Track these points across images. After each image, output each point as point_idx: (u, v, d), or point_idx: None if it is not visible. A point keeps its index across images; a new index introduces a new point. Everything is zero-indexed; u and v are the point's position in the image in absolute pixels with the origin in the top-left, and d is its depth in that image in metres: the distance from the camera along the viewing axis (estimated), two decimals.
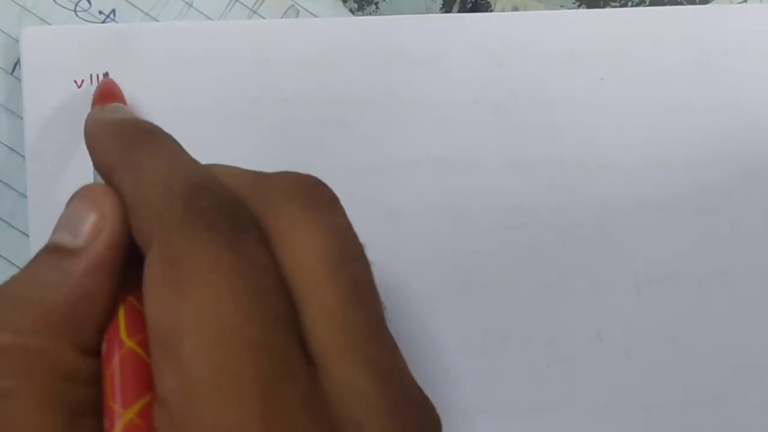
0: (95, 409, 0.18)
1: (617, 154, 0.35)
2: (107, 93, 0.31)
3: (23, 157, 0.34)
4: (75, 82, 0.33)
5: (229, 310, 0.16)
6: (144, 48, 0.34)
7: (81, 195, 0.20)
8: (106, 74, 0.33)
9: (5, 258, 0.34)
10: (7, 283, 0.19)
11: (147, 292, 0.17)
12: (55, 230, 0.19)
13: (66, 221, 0.19)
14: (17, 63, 0.34)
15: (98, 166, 0.21)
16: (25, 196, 0.34)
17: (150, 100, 0.34)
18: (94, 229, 0.19)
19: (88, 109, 0.33)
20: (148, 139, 0.21)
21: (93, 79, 0.34)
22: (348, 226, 0.20)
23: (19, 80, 0.34)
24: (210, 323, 0.16)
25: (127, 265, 0.19)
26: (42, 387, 0.17)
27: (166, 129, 0.34)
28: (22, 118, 0.34)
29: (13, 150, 0.34)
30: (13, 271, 0.34)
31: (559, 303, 0.34)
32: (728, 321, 0.35)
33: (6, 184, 0.35)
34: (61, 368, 0.17)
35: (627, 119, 0.35)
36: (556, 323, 0.34)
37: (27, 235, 0.34)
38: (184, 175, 0.19)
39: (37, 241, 0.33)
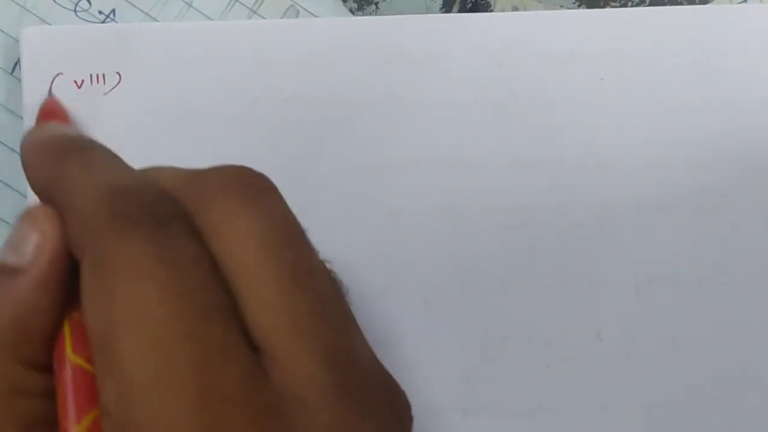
0: (51, 421, 0.18)
1: (617, 154, 0.35)
2: (49, 112, 0.31)
3: None
4: (75, 82, 0.33)
5: (157, 305, 0.16)
6: (144, 48, 0.34)
7: (24, 217, 0.20)
8: (50, 92, 0.32)
9: None
10: None
11: (83, 300, 0.17)
12: (2, 249, 0.20)
13: (10, 243, 0.20)
14: (17, 63, 0.34)
15: (33, 187, 0.21)
16: (25, 196, 0.34)
17: (150, 100, 0.34)
18: (36, 248, 0.19)
19: (88, 109, 0.34)
20: (75, 151, 0.21)
21: (93, 79, 0.34)
22: (285, 211, 0.20)
23: (19, 80, 0.34)
24: (140, 321, 0.16)
25: (72, 281, 0.19)
26: None
27: (166, 129, 0.34)
28: (22, 118, 0.34)
29: (13, 150, 0.34)
30: None
31: (559, 303, 0.34)
32: (728, 321, 0.35)
33: (6, 184, 0.35)
34: (10, 383, 0.18)
35: (627, 119, 0.35)
36: (556, 323, 0.34)
37: None
38: (107, 180, 0.19)
39: None
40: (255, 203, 0.19)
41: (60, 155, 0.21)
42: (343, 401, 0.17)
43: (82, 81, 0.33)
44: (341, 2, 0.36)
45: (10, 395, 0.18)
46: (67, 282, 0.19)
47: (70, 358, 0.18)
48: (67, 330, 0.19)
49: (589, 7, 0.37)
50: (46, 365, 0.19)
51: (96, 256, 0.17)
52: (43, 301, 0.19)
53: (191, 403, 0.16)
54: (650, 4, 0.37)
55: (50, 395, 0.18)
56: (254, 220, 0.19)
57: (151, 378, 0.16)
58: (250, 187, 0.20)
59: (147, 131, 0.34)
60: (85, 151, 0.21)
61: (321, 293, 0.18)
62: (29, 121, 0.33)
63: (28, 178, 0.22)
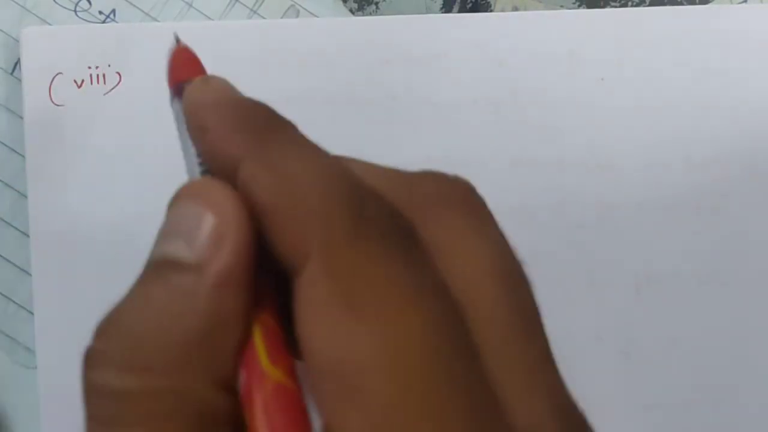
0: None
1: (617, 154, 0.35)
2: (187, 64, 0.24)
3: (23, 157, 0.34)
4: (75, 82, 0.33)
5: (417, 342, 0.14)
6: (144, 48, 0.34)
7: (191, 193, 0.16)
8: (177, 40, 0.25)
9: (5, 258, 0.34)
10: (121, 310, 0.16)
11: (308, 314, 0.14)
12: (164, 239, 0.16)
13: (175, 227, 0.16)
14: (17, 63, 0.34)
15: (216, 157, 0.17)
16: (25, 196, 0.34)
17: (150, 100, 0.34)
18: (215, 236, 0.15)
19: (88, 109, 0.33)
20: (280, 127, 0.17)
21: (93, 79, 0.34)
22: (506, 238, 0.17)
23: (19, 80, 0.34)
24: (399, 356, 0.14)
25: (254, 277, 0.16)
26: None
27: (166, 129, 0.34)
28: (22, 118, 0.34)
29: (13, 150, 0.34)
30: (13, 270, 0.34)
31: (559, 303, 0.34)
32: (728, 321, 0.35)
33: (6, 184, 0.35)
34: (199, 411, 0.14)
35: (627, 119, 0.35)
36: (556, 323, 0.34)
37: (27, 235, 0.34)
38: (338, 173, 0.16)
39: (37, 241, 0.33)
40: (482, 226, 0.17)
41: (254, 124, 0.17)
42: None
43: (82, 81, 0.33)
44: (341, 2, 0.36)
45: (197, 424, 0.14)
46: (252, 280, 0.15)
47: (269, 373, 0.15)
48: (258, 338, 0.15)
49: (589, 7, 0.37)
50: (233, 384, 0.15)
51: (336, 265, 0.14)
52: (229, 306, 0.15)
53: None
54: (650, 4, 0.37)
55: (235, 421, 0.15)
56: (484, 245, 0.16)
57: (414, 425, 0.14)
58: (475, 207, 0.17)
59: (147, 131, 0.34)
60: (290, 130, 0.17)
61: (546, 339, 0.17)
62: (29, 121, 0.33)
63: (206, 147, 0.17)
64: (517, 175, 0.34)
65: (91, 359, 0.15)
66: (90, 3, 0.35)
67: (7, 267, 0.34)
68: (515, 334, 0.16)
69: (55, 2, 0.35)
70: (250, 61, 0.34)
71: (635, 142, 0.35)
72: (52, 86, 0.33)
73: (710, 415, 0.34)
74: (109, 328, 0.15)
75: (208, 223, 0.15)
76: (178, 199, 0.16)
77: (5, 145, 0.35)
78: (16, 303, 0.34)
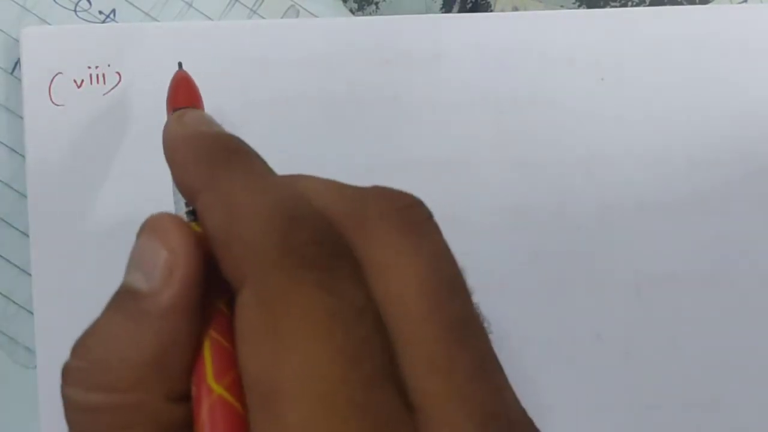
0: None
1: (617, 154, 0.35)
2: (184, 92, 0.27)
3: (23, 157, 0.34)
4: (75, 82, 0.33)
5: (330, 367, 0.15)
6: (144, 48, 0.34)
7: (148, 229, 0.18)
8: (180, 65, 0.28)
9: (5, 258, 0.34)
10: (91, 334, 0.18)
11: (242, 337, 0.16)
12: (127, 270, 0.18)
13: (137, 260, 0.18)
14: (17, 63, 0.34)
15: (181, 189, 0.19)
16: (25, 196, 0.34)
17: (150, 100, 0.34)
18: (166, 268, 0.17)
19: (89, 109, 0.33)
20: (234, 158, 0.19)
21: (93, 79, 0.33)
22: (446, 250, 0.18)
23: (19, 80, 0.34)
24: (309, 381, 0.15)
25: (206, 297, 0.18)
26: None
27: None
28: (22, 118, 0.34)
29: (13, 150, 0.34)
30: (14, 271, 0.34)
31: (559, 303, 0.34)
32: (728, 321, 0.35)
33: (6, 184, 0.35)
34: (157, 420, 0.17)
35: (627, 119, 0.35)
36: (556, 323, 0.34)
37: (27, 235, 0.34)
38: (278, 203, 0.17)
39: (37, 241, 0.33)
40: (417, 239, 0.18)
41: (217, 160, 0.19)
42: None
43: (82, 81, 0.33)
44: (341, 2, 0.36)
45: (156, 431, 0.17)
46: (201, 302, 0.17)
47: (214, 388, 0.17)
48: (207, 354, 0.17)
49: (589, 7, 0.37)
50: (187, 394, 0.17)
51: (263, 292, 0.16)
52: (181, 327, 0.17)
53: None
54: (650, 4, 0.37)
55: (188, 427, 0.17)
56: (417, 262, 0.17)
57: None
58: (412, 222, 0.18)
59: (147, 131, 0.34)
60: (245, 160, 0.19)
61: (480, 350, 0.17)
62: (29, 121, 0.33)
63: (176, 178, 0.20)
64: (517, 175, 0.34)
65: (66, 375, 0.18)
66: (90, 3, 0.35)
67: (7, 267, 0.34)
68: (439, 345, 0.17)
69: (55, 2, 0.35)
70: (250, 61, 0.34)
71: (635, 142, 0.35)
72: (52, 86, 0.33)
73: (710, 415, 0.34)
74: (80, 350, 0.18)
75: (161, 257, 0.17)
76: (140, 233, 0.18)
77: (5, 145, 0.35)
78: (16, 303, 0.34)
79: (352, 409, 0.15)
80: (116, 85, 0.34)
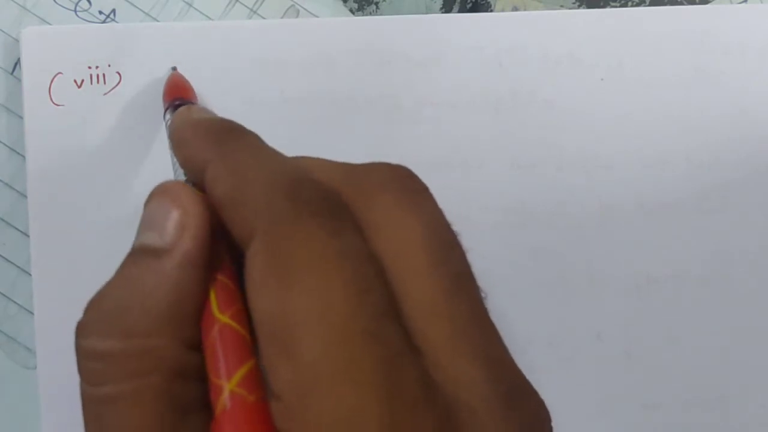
0: (202, 404, 0.18)
1: (617, 154, 0.35)
2: (178, 87, 0.31)
3: (23, 157, 0.34)
4: (75, 82, 0.33)
5: (341, 300, 0.16)
6: (144, 48, 0.34)
7: (159, 193, 0.19)
8: (174, 68, 0.33)
9: (5, 258, 0.34)
10: (105, 289, 0.19)
11: (251, 281, 0.17)
12: (140, 231, 0.19)
13: (149, 221, 0.19)
14: (17, 63, 0.34)
15: (191, 163, 0.21)
16: (25, 196, 0.34)
17: (150, 100, 0.34)
18: (178, 226, 0.19)
19: (88, 109, 0.33)
20: (239, 135, 0.21)
21: (93, 79, 0.34)
22: (441, 215, 0.19)
23: (19, 80, 0.34)
24: (322, 313, 0.16)
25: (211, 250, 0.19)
26: (154, 387, 0.17)
27: (166, 130, 0.34)
28: (22, 118, 0.34)
29: (13, 150, 0.34)
30: (14, 271, 0.34)
31: (559, 303, 0.34)
32: (728, 321, 0.35)
33: (6, 184, 0.35)
34: (172, 367, 0.17)
35: (627, 119, 0.35)
36: (556, 323, 0.34)
37: (27, 235, 0.34)
38: (282, 168, 0.19)
39: (37, 241, 0.33)
40: (415, 204, 0.19)
41: (220, 136, 0.20)
42: (507, 414, 0.17)
43: (82, 81, 0.34)
44: (341, 2, 0.36)
45: (171, 378, 0.17)
46: (210, 255, 0.19)
47: (218, 317, 0.18)
48: (212, 293, 0.18)
49: (589, 7, 0.37)
50: (198, 344, 0.18)
51: (273, 239, 0.17)
52: (192, 279, 0.18)
53: (376, 401, 0.16)
54: (650, 4, 0.37)
55: (201, 375, 0.18)
56: (416, 223, 0.18)
57: (335, 372, 0.16)
58: (409, 188, 0.20)
59: (147, 131, 0.34)
60: (248, 137, 0.21)
61: (476, 301, 0.18)
62: (29, 121, 0.33)
63: (181, 156, 0.21)
64: (517, 175, 0.34)
65: (81, 329, 0.18)
66: (90, 3, 0.35)
67: (7, 267, 0.34)
68: (440, 294, 0.18)
69: (55, 2, 0.35)
70: (250, 61, 0.34)
71: (635, 142, 0.35)
72: (52, 86, 0.33)
73: (710, 415, 0.34)
74: (95, 303, 0.19)
75: (173, 216, 0.19)
76: (151, 198, 0.20)
77: (5, 145, 0.35)
78: (17, 303, 0.34)
79: (364, 338, 0.16)
80: (116, 85, 0.34)
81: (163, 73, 0.34)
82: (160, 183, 0.20)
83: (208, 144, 0.20)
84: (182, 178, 0.22)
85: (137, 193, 0.34)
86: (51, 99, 0.33)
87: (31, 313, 0.34)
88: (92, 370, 0.18)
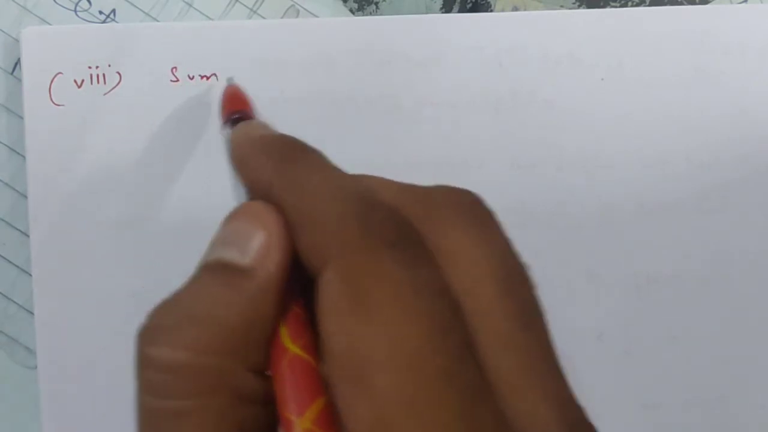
0: (266, 428, 0.17)
1: (617, 154, 0.35)
2: (236, 100, 0.30)
3: (23, 157, 0.34)
4: (75, 82, 0.33)
5: (418, 337, 0.16)
6: (144, 48, 0.34)
7: (244, 212, 0.19)
8: (230, 79, 0.31)
9: (5, 258, 0.34)
10: (178, 298, 0.18)
11: (327, 313, 0.17)
12: (218, 247, 0.19)
13: (231, 238, 0.19)
14: (17, 63, 0.34)
15: (253, 184, 0.20)
16: (25, 196, 0.34)
17: (150, 100, 0.34)
18: (263, 248, 0.18)
19: (88, 109, 0.33)
20: (301, 154, 0.20)
21: (93, 79, 0.34)
22: (511, 245, 0.19)
23: (19, 80, 0.34)
24: (400, 350, 0.16)
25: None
26: (218, 408, 0.17)
27: (166, 129, 0.34)
28: (22, 118, 0.34)
29: (13, 150, 0.34)
30: (14, 271, 0.34)
31: (560, 303, 0.34)
32: (728, 321, 0.35)
33: (6, 184, 0.35)
34: (237, 389, 0.17)
35: (627, 119, 0.35)
36: (556, 323, 0.34)
37: (27, 235, 0.34)
38: (350, 189, 0.18)
39: (38, 241, 0.33)
40: (485, 233, 0.19)
41: (286, 156, 0.20)
42: None
43: (82, 81, 0.34)
44: (341, 2, 0.36)
45: (236, 402, 0.17)
46: (287, 282, 0.18)
47: (290, 347, 0.17)
48: (283, 322, 0.18)
49: (589, 7, 0.37)
50: (264, 369, 0.18)
51: (348, 270, 0.17)
52: (270, 304, 0.18)
53: None
54: (650, 4, 0.37)
55: (268, 402, 0.17)
56: (486, 251, 0.18)
57: (413, 412, 0.15)
58: (479, 215, 0.19)
59: (147, 131, 0.34)
60: (312, 155, 0.20)
61: (546, 334, 0.18)
62: (29, 121, 0.33)
63: (242, 175, 0.21)
64: (517, 175, 0.34)
65: (150, 335, 0.18)
66: (90, 3, 0.35)
67: (7, 267, 0.34)
68: (513, 331, 0.17)
69: (55, 2, 0.35)
70: (250, 61, 0.34)
71: (635, 142, 0.35)
72: (52, 86, 0.33)
73: (710, 415, 0.34)
74: (168, 310, 0.18)
75: (258, 237, 0.18)
76: (235, 216, 0.19)
77: (5, 145, 0.35)
78: (16, 303, 0.34)
79: (441, 377, 0.16)
80: (116, 85, 0.34)
81: (163, 73, 0.34)
82: (245, 202, 0.20)
83: (271, 163, 0.20)
84: (243, 196, 0.22)
85: (137, 193, 0.34)
86: (51, 99, 0.33)
87: (31, 313, 0.34)
88: (157, 381, 0.17)
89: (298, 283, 0.18)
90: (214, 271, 0.18)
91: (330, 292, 0.17)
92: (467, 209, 0.19)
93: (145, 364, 0.17)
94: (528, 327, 0.18)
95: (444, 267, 0.17)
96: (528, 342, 0.18)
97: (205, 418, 0.17)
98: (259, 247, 0.18)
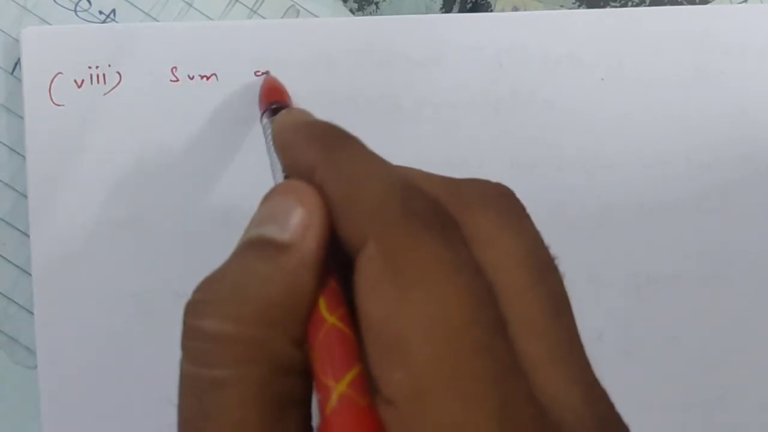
0: (302, 400, 0.18)
1: (617, 154, 0.35)
2: (275, 90, 0.32)
3: (23, 157, 0.34)
4: (75, 82, 0.33)
5: (456, 310, 0.16)
6: (144, 48, 0.34)
7: (285, 190, 0.20)
8: (267, 72, 0.34)
9: (5, 258, 0.34)
10: (221, 273, 0.19)
11: (364, 285, 0.17)
12: (258, 224, 0.19)
13: (270, 215, 0.19)
14: (17, 63, 0.34)
15: (296, 166, 0.21)
16: (25, 196, 0.34)
17: (150, 100, 0.34)
18: (302, 224, 0.19)
19: (88, 109, 0.33)
20: (346, 140, 0.21)
21: (93, 79, 0.34)
22: (540, 236, 0.20)
23: (19, 80, 0.34)
24: (437, 322, 0.16)
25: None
26: (259, 378, 0.17)
27: (166, 129, 0.34)
28: (22, 118, 0.34)
29: (13, 150, 0.34)
30: (14, 271, 0.34)
31: None
32: (728, 321, 0.35)
33: (6, 184, 0.35)
34: (278, 360, 0.18)
35: (627, 119, 0.35)
36: None
37: (27, 235, 0.34)
38: (392, 174, 0.19)
39: (38, 241, 0.33)
40: (517, 224, 0.19)
41: (327, 140, 0.21)
42: None
43: (82, 81, 0.34)
44: (341, 2, 0.36)
45: (276, 373, 0.17)
46: (326, 257, 0.19)
47: (327, 318, 0.18)
48: (320, 294, 0.19)
49: (589, 7, 0.37)
50: (302, 342, 0.18)
51: (387, 246, 0.17)
52: (309, 278, 0.18)
53: (491, 414, 0.16)
54: (650, 4, 0.37)
55: (306, 373, 0.18)
56: (518, 241, 0.19)
57: (448, 380, 0.16)
58: (511, 206, 0.20)
59: (147, 131, 0.34)
60: (353, 141, 0.21)
61: (573, 323, 0.19)
62: (29, 121, 0.33)
63: (286, 159, 0.22)
64: (517, 175, 0.34)
65: (195, 307, 0.18)
66: (90, 3, 0.35)
67: (7, 267, 0.34)
68: (543, 315, 0.18)
69: (55, 2, 0.35)
70: (250, 61, 0.34)
71: (635, 142, 0.35)
72: (52, 86, 0.33)
73: (710, 415, 0.34)
74: (210, 284, 0.19)
75: (298, 214, 0.19)
76: (274, 194, 0.20)
77: (5, 145, 0.35)
78: (17, 303, 0.34)
79: (477, 350, 0.16)
80: (116, 85, 0.34)
81: (163, 73, 0.34)
82: (285, 181, 0.20)
83: (315, 147, 0.20)
84: (281, 180, 0.22)
85: (137, 193, 0.34)
86: (51, 99, 0.33)
87: (31, 313, 0.34)
88: (202, 350, 0.18)
89: (334, 261, 0.19)
90: (255, 246, 0.19)
91: (370, 267, 0.17)
92: (500, 201, 0.20)
93: (190, 334, 0.18)
94: (558, 316, 0.18)
95: (477, 252, 0.18)
96: (557, 330, 0.18)
97: (247, 386, 0.17)
98: (298, 224, 0.19)
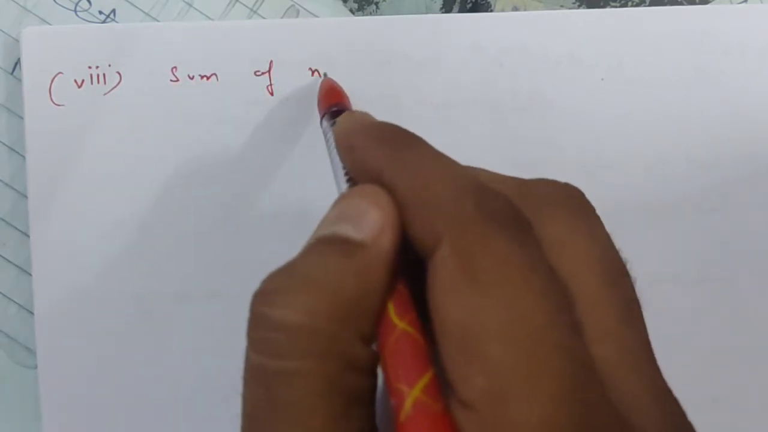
0: (368, 399, 0.18)
1: (617, 154, 0.35)
2: (334, 93, 0.32)
3: (23, 157, 0.34)
4: (75, 82, 0.33)
5: (534, 312, 0.16)
6: (144, 48, 0.34)
7: (361, 192, 0.20)
8: (325, 74, 0.34)
9: (5, 258, 0.34)
10: (293, 265, 0.19)
11: (440, 287, 0.17)
12: (333, 223, 0.19)
13: (345, 215, 0.19)
14: (17, 63, 0.34)
15: (363, 170, 0.21)
16: (25, 196, 0.34)
17: (150, 100, 0.34)
18: (377, 225, 0.19)
19: (88, 109, 0.33)
20: (411, 140, 0.21)
21: (93, 79, 0.34)
22: (611, 238, 0.20)
23: (19, 80, 0.34)
24: (517, 324, 0.16)
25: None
26: (328, 372, 0.17)
27: (166, 129, 0.34)
28: (22, 118, 0.34)
29: (13, 150, 0.35)
30: (14, 271, 0.34)
31: None
32: (728, 321, 0.35)
33: (6, 184, 0.35)
34: (348, 356, 0.17)
35: (627, 119, 0.35)
36: None
37: (27, 235, 0.34)
38: (466, 174, 0.19)
39: (38, 241, 0.33)
40: (589, 225, 0.19)
41: (394, 142, 0.21)
42: None
43: (82, 81, 0.34)
44: (341, 2, 0.36)
45: (345, 369, 0.17)
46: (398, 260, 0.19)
47: (396, 322, 0.18)
48: (390, 299, 0.19)
49: (589, 7, 0.37)
50: (371, 341, 0.18)
51: (463, 246, 0.17)
52: (382, 279, 0.18)
53: (571, 415, 0.16)
54: (650, 4, 0.37)
55: (373, 373, 0.18)
56: (592, 244, 0.19)
57: (529, 384, 0.16)
58: (584, 209, 0.20)
59: (147, 131, 0.34)
60: (420, 142, 0.21)
61: (645, 329, 0.19)
62: (29, 121, 0.33)
63: (351, 161, 0.22)
64: (517, 175, 0.34)
65: (265, 296, 0.18)
66: (90, 3, 0.35)
67: (7, 267, 0.34)
68: (617, 320, 0.18)
69: (55, 2, 0.35)
70: (250, 61, 0.34)
71: (635, 142, 0.35)
72: (52, 86, 0.33)
73: (710, 415, 0.34)
74: (283, 275, 0.18)
75: (373, 214, 0.19)
76: (349, 195, 0.20)
77: (5, 145, 0.35)
78: (17, 303, 0.34)
79: (555, 351, 0.16)
80: (116, 85, 0.34)
81: (163, 73, 0.34)
82: (360, 184, 0.20)
83: (382, 149, 0.20)
84: (344, 183, 0.22)
85: (137, 193, 0.34)
86: (51, 99, 0.33)
87: (31, 313, 0.34)
88: (272, 340, 0.17)
89: (402, 264, 0.19)
90: (330, 243, 0.19)
91: (445, 267, 0.17)
92: (571, 202, 0.20)
93: (259, 323, 0.18)
94: (630, 319, 0.18)
95: (550, 255, 0.18)
96: (631, 334, 0.18)
97: (316, 380, 0.17)
98: (373, 224, 0.19)
